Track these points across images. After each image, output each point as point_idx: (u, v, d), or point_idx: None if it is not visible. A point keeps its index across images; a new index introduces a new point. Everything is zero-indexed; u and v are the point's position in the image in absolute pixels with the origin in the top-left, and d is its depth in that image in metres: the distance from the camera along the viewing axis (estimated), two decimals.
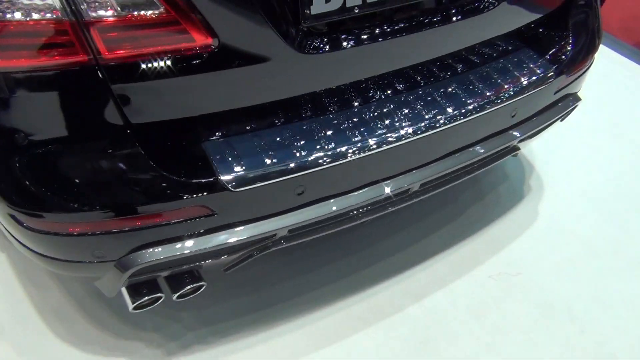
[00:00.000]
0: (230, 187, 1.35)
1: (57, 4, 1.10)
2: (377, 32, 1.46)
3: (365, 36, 1.44)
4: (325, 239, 2.19)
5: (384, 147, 1.51)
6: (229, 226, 1.43)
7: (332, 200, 1.53)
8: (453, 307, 2.00)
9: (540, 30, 1.91)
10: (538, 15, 1.83)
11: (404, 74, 1.65)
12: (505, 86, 1.72)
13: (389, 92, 1.61)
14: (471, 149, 1.72)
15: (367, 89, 1.59)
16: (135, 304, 1.50)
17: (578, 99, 2.01)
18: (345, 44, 1.42)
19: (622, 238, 2.29)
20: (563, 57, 1.86)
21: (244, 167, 1.37)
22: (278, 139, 1.45)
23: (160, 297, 1.54)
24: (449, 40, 1.63)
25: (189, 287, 1.55)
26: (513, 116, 1.78)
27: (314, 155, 1.44)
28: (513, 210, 2.40)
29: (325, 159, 1.45)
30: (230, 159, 1.38)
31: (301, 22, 1.33)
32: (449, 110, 1.61)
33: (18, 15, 1.07)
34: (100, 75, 1.19)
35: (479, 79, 1.71)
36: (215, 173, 1.35)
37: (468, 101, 1.64)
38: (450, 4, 1.56)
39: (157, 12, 1.15)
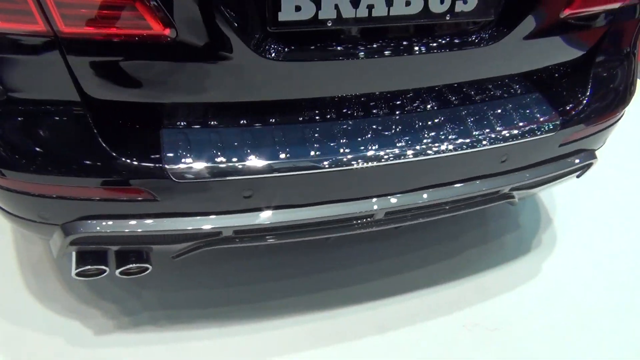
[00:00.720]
0: (172, 177, 1.37)
1: None
2: (350, 49, 1.42)
3: (336, 52, 1.41)
4: (304, 251, 2.17)
5: (341, 167, 1.47)
6: (171, 215, 1.45)
7: (283, 211, 1.51)
8: (416, 345, 1.91)
9: (554, 73, 1.78)
10: (550, 63, 1.71)
11: (380, 97, 1.59)
12: (496, 127, 1.62)
13: (360, 111, 1.56)
14: (446, 187, 1.64)
15: (339, 105, 1.56)
16: (77, 270, 1.55)
17: (592, 157, 1.85)
18: (312, 56, 1.40)
19: (626, 319, 2.09)
20: (575, 108, 1.73)
21: (191, 160, 1.39)
22: (234, 139, 1.45)
23: (104, 270, 1.58)
24: (432, 72, 1.56)
25: (132, 265, 1.58)
26: (503, 161, 1.67)
27: (266, 162, 1.43)
28: (514, 261, 2.26)
29: (277, 167, 1.43)
30: (180, 149, 1.40)
31: (267, 27, 1.32)
32: (424, 141, 1.54)
33: None
34: (58, 48, 1.24)
35: (466, 114, 1.63)
36: (161, 161, 1.37)
37: (448, 136, 1.57)
38: (436, 33, 1.49)
39: None
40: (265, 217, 1.50)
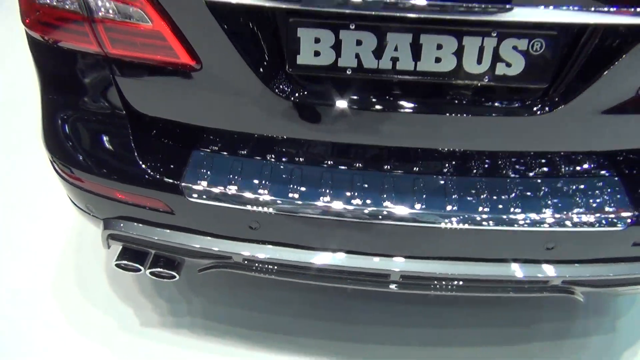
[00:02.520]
0: (186, 194, 1.47)
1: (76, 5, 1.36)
2: (368, 100, 1.38)
3: (353, 100, 1.38)
4: (362, 299, 2.10)
5: (350, 218, 1.43)
6: (185, 230, 1.55)
7: (288, 249, 1.52)
8: None
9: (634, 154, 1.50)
10: (625, 146, 1.45)
11: (405, 152, 1.50)
12: (542, 208, 1.42)
13: (384, 164, 1.49)
14: (473, 262, 1.48)
15: (361, 152, 1.51)
16: (115, 262, 1.73)
17: None
18: (328, 100, 1.39)
19: None
20: None
21: (207, 182, 1.47)
22: (253, 170, 1.49)
23: (138, 269, 1.74)
24: (470, 135, 1.42)
25: (160, 269, 1.71)
26: (549, 249, 1.46)
27: (275, 198, 1.45)
28: None
29: (285, 205, 1.44)
30: (201, 170, 1.49)
31: (286, 68, 1.35)
32: (449, 207, 1.42)
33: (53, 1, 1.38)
34: (108, 65, 1.43)
35: (505, 185, 1.45)
36: (181, 178, 1.48)
37: (479, 207, 1.42)
38: (474, 95, 1.37)
39: (148, 24, 1.33)
40: (269, 251, 1.51)
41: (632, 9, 1.22)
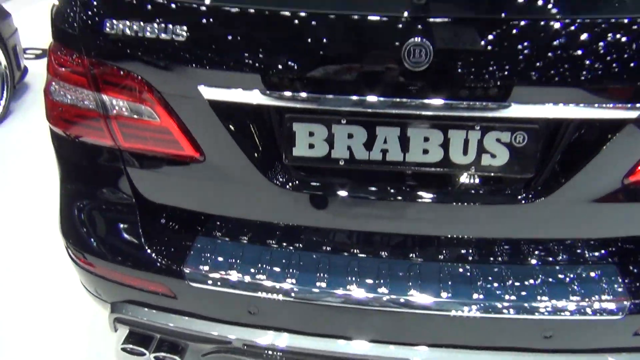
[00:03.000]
0: (187, 279, 1.52)
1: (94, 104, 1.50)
2: (362, 189, 1.44)
3: (348, 189, 1.45)
4: None
5: (348, 305, 1.46)
6: (188, 314, 1.59)
7: (287, 335, 1.54)
8: None
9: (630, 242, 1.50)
10: (616, 234, 1.46)
11: (396, 239, 1.54)
12: (537, 295, 1.42)
13: (376, 250, 1.53)
14: (467, 350, 1.47)
15: (354, 239, 1.55)
16: (122, 346, 1.76)
17: None
18: (324, 190, 1.45)
19: None
20: None
21: (207, 267, 1.53)
22: (251, 255, 1.55)
23: (143, 353, 1.77)
24: (457, 222, 1.46)
25: (164, 354, 1.74)
26: (547, 337, 1.44)
27: (273, 283, 1.49)
28: None
29: (282, 290, 1.48)
30: (203, 256, 1.55)
31: (282, 160, 1.44)
32: (441, 294, 1.43)
33: (68, 100, 1.52)
34: (120, 157, 1.55)
35: (498, 272, 1.46)
36: (183, 263, 1.54)
37: (470, 293, 1.43)
38: (462, 184, 1.42)
39: (156, 121, 1.45)
40: (269, 337, 1.54)
41: (609, 105, 1.29)
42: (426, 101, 1.31)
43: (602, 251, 1.52)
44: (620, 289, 1.44)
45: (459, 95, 1.30)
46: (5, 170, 3.46)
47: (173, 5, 1.35)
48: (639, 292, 1.43)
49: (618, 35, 1.26)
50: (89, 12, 1.40)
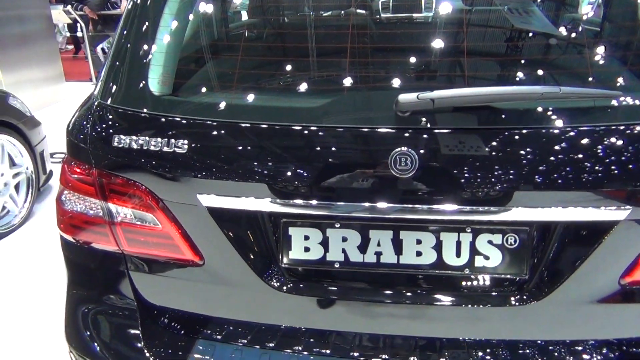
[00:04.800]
0: None
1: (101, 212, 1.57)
2: (358, 292, 1.46)
3: (344, 292, 1.46)
4: None
5: None
6: None
7: None
8: None
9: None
10: (622, 335, 1.43)
11: (400, 341, 1.52)
12: None
13: (379, 354, 1.50)
14: None
15: (353, 342, 1.53)
16: None
17: None
18: (320, 293, 1.47)
19: None
20: None
21: None
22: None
23: None
24: (453, 325, 1.44)
25: None
26: None
27: None
28: None
29: None
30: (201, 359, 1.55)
31: (279, 263, 1.47)
32: None
33: (77, 208, 1.59)
34: (124, 261, 1.59)
35: None
36: None
37: None
38: (457, 286, 1.42)
39: (158, 227, 1.51)
40: None
41: (597, 206, 1.31)
42: (416, 206, 1.35)
43: (606, 353, 1.47)
44: None
45: (448, 200, 1.34)
46: (21, 271, 3.53)
47: (174, 122, 1.45)
48: None
49: (601, 141, 1.31)
50: (99, 128, 1.51)
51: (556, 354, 1.48)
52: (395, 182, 1.34)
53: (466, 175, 1.33)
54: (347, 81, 1.47)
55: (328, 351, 1.55)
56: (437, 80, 1.48)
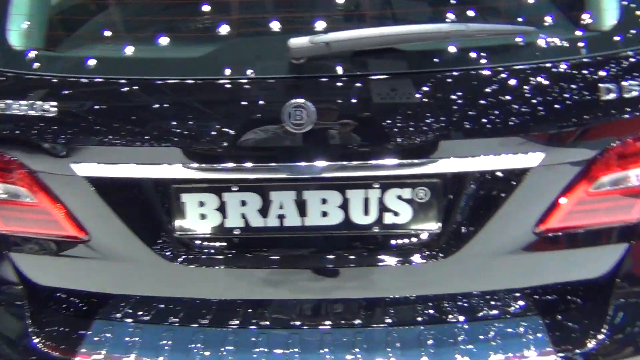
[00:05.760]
0: None
1: None
2: (261, 259, 1.35)
3: (246, 260, 1.35)
4: None
5: None
6: None
7: None
8: None
9: (560, 293, 1.43)
10: (538, 283, 1.39)
11: (312, 306, 1.44)
12: (459, 353, 1.33)
13: (290, 321, 1.41)
14: None
15: (266, 312, 1.44)
16: None
17: None
18: (220, 262, 1.35)
19: None
20: (583, 345, 1.34)
21: (103, 356, 1.39)
22: (151, 337, 1.41)
23: None
24: (367, 284, 1.37)
25: None
26: None
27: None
28: None
29: None
30: (99, 342, 1.41)
31: (172, 233, 1.33)
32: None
33: None
34: (3, 242, 1.42)
35: (421, 332, 1.36)
36: (75, 351, 1.40)
37: (390, 358, 1.33)
38: (368, 245, 1.33)
39: (34, 202, 1.33)
40: None
41: (508, 154, 1.23)
42: (317, 163, 1.23)
43: (524, 302, 1.43)
44: (545, 341, 1.35)
45: (352, 154, 1.23)
46: None
47: (38, 81, 1.26)
48: (564, 343, 1.35)
49: (511, 84, 1.22)
50: None
51: (475, 305, 1.43)
52: (292, 138, 1.21)
53: (370, 127, 1.22)
54: (234, 26, 1.30)
55: (236, 322, 1.44)
56: (335, 21, 1.32)
